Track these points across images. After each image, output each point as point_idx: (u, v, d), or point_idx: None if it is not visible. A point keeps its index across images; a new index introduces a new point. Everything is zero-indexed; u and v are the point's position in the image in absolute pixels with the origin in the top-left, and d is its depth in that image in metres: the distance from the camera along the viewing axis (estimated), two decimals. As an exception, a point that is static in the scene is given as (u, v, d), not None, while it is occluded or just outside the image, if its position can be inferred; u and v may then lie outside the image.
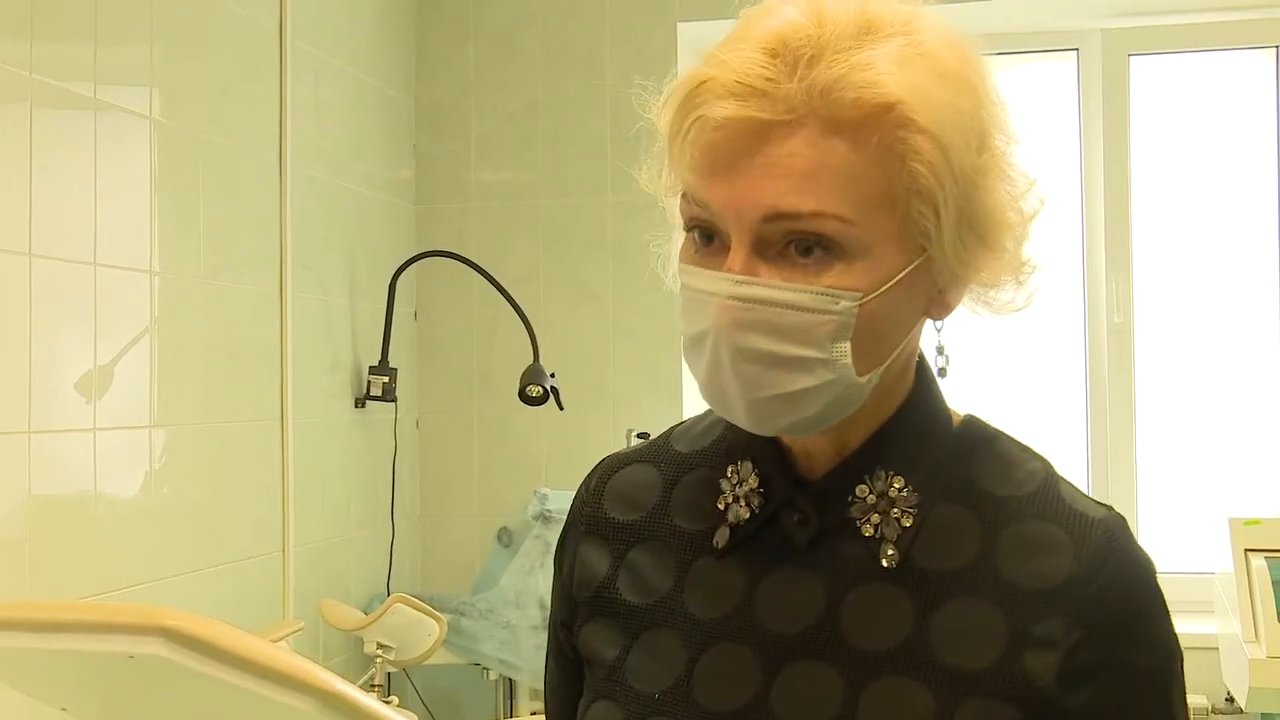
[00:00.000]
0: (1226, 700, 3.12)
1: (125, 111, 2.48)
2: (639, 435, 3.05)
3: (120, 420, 2.45)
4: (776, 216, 0.96)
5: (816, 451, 1.07)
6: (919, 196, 0.97)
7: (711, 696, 1.05)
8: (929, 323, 1.11)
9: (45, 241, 2.25)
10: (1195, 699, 3.23)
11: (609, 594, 1.13)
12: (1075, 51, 3.65)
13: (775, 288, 0.97)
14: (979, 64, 1.04)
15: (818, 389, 0.99)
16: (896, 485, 1.05)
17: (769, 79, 0.95)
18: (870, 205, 0.96)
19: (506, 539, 3.46)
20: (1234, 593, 2.94)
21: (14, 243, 2.18)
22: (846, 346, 0.98)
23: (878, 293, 0.98)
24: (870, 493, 1.05)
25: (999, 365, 3.67)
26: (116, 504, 2.44)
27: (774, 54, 0.96)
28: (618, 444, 3.15)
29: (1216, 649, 3.15)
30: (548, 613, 1.24)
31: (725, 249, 0.99)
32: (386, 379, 3.39)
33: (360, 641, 3.06)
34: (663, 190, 1.07)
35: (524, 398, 3.21)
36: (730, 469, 1.11)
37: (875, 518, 1.05)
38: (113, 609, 1.16)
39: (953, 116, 0.98)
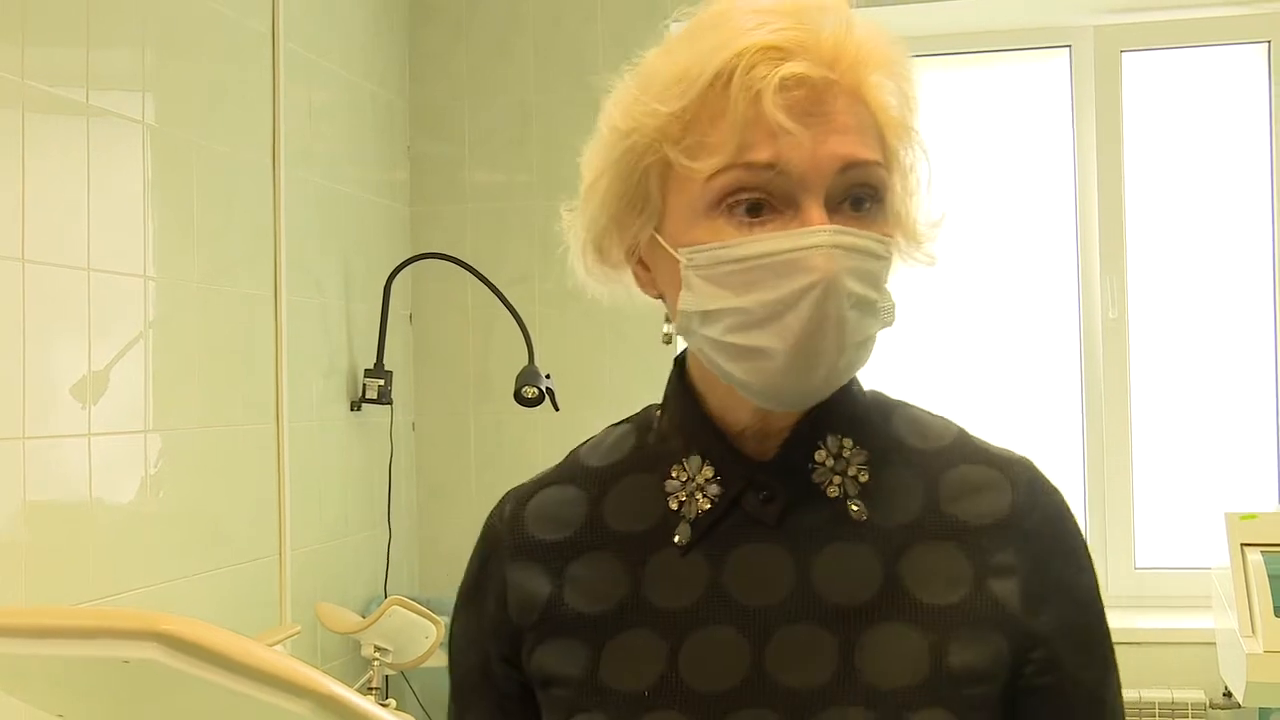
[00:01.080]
0: (1224, 695, 3.12)
1: (118, 117, 2.48)
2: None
3: (116, 425, 2.45)
4: (850, 165, 1.03)
5: (774, 431, 1.11)
6: (892, 157, 1.08)
7: (704, 680, 1.06)
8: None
9: (39, 247, 2.25)
10: (1193, 694, 3.24)
11: (558, 611, 1.13)
12: (1068, 48, 3.65)
13: (864, 236, 1.03)
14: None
15: (874, 337, 1.08)
16: (848, 445, 1.11)
17: (810, 42, 1.02)
18: (886, 156, 1.07)
19: (504, 540, 3.45)
20: (1231, 588, 2.94)
21: (8, 248, 2.18)
22: (889, 291, 1.08)
23: (895, 239, 1.09)
24: (828, 456, 1.11)
25: (994, 361, 3.67)
26: (113, 509, 2.44)
27: (799, 21, 1.03)
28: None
29: (1214, 644, 3.15)
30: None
31: (777, 215, 1.02)
32: (382, 382, 3.39)
33: (358, 644, 3.05)
34: (685, 166, 1.05)
35: (519, 399, 3.21)
36: (674, 469, 1.13)
37: (837, 478, 1.10)
38: (107, 614, 1.16)
39: (909, 78, 1.09)
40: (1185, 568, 3.51)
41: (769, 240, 1.01)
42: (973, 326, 3.68)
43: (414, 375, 3.71)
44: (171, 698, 1.14)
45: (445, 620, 3.05)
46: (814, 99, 1.01)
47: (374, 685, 3.00)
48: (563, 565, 1.14)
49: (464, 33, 3.72)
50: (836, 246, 1.00)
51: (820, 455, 1.11)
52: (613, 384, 3.56)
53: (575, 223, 1.15)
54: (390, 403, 3.43)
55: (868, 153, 1.04)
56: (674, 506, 1.12)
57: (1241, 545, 2.96)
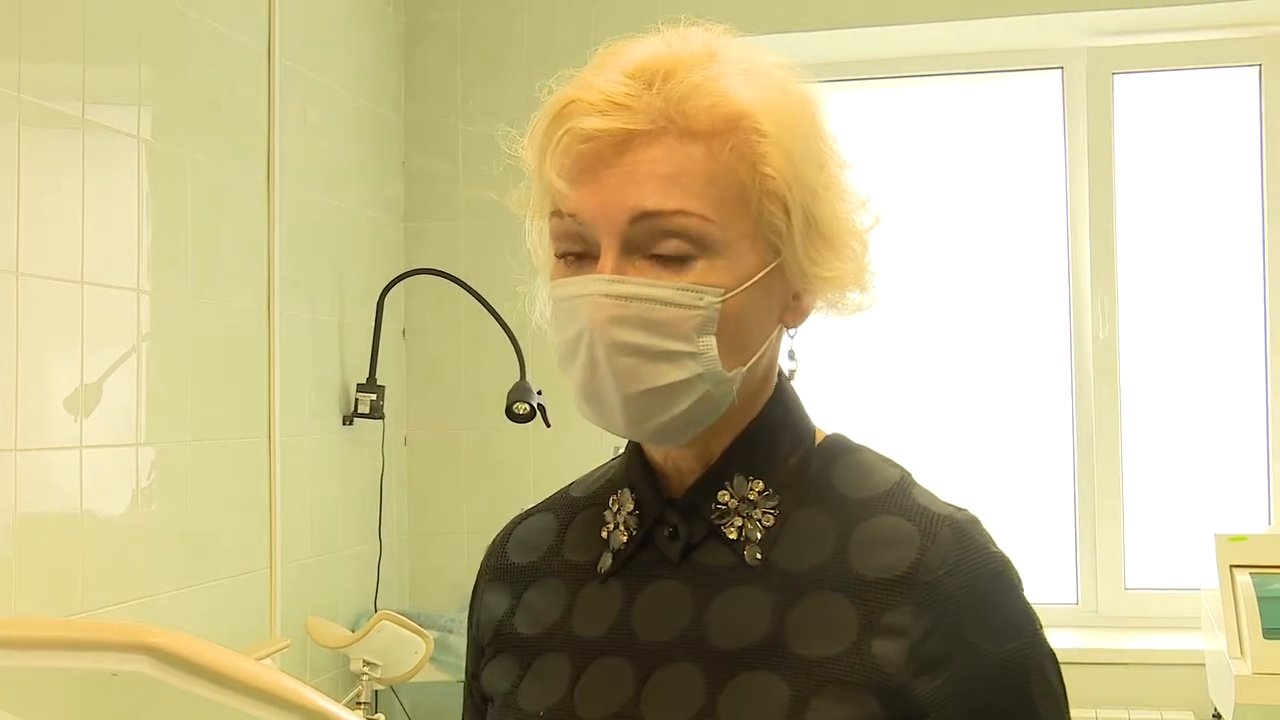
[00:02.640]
0: (1213, 717, 3.13)
1: (114, 131, 2.49)
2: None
3: (108, 438, 2.45)
4: (643, 216, 1.04)
5: (686, 469, 1.13)
6: (770, 198, 1.06)
7: (589, 707, 1.10)
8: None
9: (33, 260, 2.25)
10: (1182, 715, 3.24)
11: (506, 630, 1.19)
12: (1060, 70, 3.67)
13: (645, 284, 1.04)
14: (815, 96, 1.12)
15: (688, 383, 1.05)
16: (757, 488, 1.11)
17: (629, 94, 1.04)
18: (727, 206, 1.05)
19: (495, 556, 3.46)
20: (1220, 609, 2.95)
21: (2, 261, 2.19)
22: (712, 340, 1.05)
23: (739, 289, 1.06)
24: (731, 497, 1.11)
25: (985, 380, 3.68)
26: (104, 522, 2.44)
27: (633, 75, 1.05)
28: (604, 461, 3.16)
29: (1203, 665, 3.16)
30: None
31: (593, 261, 1.06)
32: (374, 396, 3.39)
33: (347, 659, 3.06)
34: (532, 215, 1.13)
35: (511, 415, 3.21)
36: (612, 499, 1.18)
37: (738, 520, 1.10)
38: (95, 626, 1.16)
39: (796, 129, 1.08)
40: (1175, 589, 3.51)
41: (562, 286, 1.07)
42: (963, 345, 3.69)
43: (406, 390, 3.71)
44: (159, 711, 1.15)
45: (435, 635, 3.06)
46: (612, 151, 1.04)
47: (363, 700, 3.00)
48: (523, 589, 1.21)
49: (459, 50, 3.73)
50: (607, 295, 1.03)
51: (724, 496, 1.11)
52: (605, 401, 3.56)
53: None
54: (382, 417, 3.43)
55: (668, 202, 1.03)
56: (604, 536, 1.17)
57: (1231, 567, 2.97)
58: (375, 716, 3.00)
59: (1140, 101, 3.64)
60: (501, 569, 1.24)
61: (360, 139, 3.52)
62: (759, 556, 1.09)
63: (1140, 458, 3.61)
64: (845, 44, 3.62)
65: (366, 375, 3.41)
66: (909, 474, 1.14)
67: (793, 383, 1.17)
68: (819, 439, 1.16)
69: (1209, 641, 3.10)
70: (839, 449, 1.16)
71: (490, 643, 1.20)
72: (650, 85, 1.04)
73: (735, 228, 1.05)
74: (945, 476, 1.18)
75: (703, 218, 1.04)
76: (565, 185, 1.05)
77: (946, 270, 3.69)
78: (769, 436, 1.13)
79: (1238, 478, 3.57)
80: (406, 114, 3.75)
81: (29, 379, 2.24)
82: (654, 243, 1.04)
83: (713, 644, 1.07)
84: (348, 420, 3.37)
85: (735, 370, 1.07)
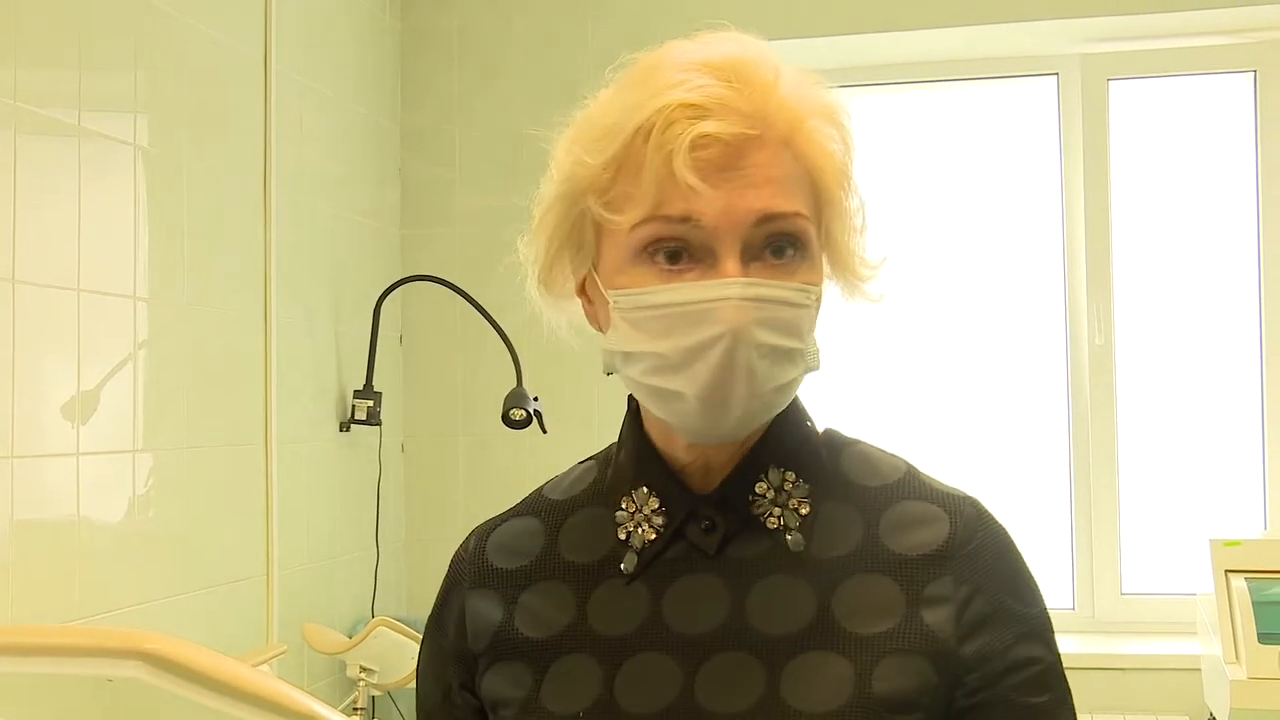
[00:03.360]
0: (1209, 721, 3.13)
1: (110, 139, 2.49)
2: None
3: (105, 445, 2.46)
4: (767, 218, 1.06)
5: (716, 464, 1.15)
6: (828, 203, 1.12)
7: (636, 703, 1.09)
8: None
9: (30, 268, 2.26)
10: (1177, 720, 3.24)
11: (508, 636, 1.17)
12: (1055, 76, 3.67)
13: (776, 286, 1.07)
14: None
15: (796, 380, 1.11)
16: (790, 478, 1.15)
17: (732, 99, 1.06)
18: (812, 206, 1.10)
19: (491, 562, 3.46)
20: (1215, 614, 2.95)
21: (-2, 269, 2.19)
22: (814, 337, 1.12)
23: (822, 286, 1.12)
24: (769, 488, 1.14)
25: (981, 387, 3.68)
26: (101, 528, 2.45)
27: (726, 79, 1.07)
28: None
29: (1199, 670, 3.16)
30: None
31: (696, 264, 1.07)
32: (371, 403, 3.39)
33: (344, 664, 3.06)
34: (607, 219, 1.11)
35: (507, 421, 3.22)
36: (625, 501, 1.17)
37: (776, 510, 1.14)
38: (92, 633, 1.17)
39: (841, 136, 1.13)
40: (1171, 593, 3.52)
41: (684, 289, 1.06)
42: (959, 351, 3.70)
43: (403, 397, 3.71)
44: (155, 716, 1.15)
45: (432, 642, 3.05)
46: (731, 154, 1.05)
47: (359, 705, 3.00)
48: (516, 593, 1.19)
49: (455, 57, 3.74)
50: (746, 299, 1.05)
51: (761, 487, 1.14)
52: (600, 407, 3.57)
53: (528, 253, 1.22)
54: (379, 424, 3.44)
55: (786, 205, 1.07)
56: (622, 536, 1.16)
57: (1226, 572, 2.97)
58: (372, 723, 3.00)
59: (1135, 107, 3.65)
60: (484, 574, 1.21)
61: (357, 145, 3.53)
62: (802, 541, 1.12)
63: (1136, 463, 3.61)
64: (841, 50, 3.63)
65: (363, 382, 3.41)
66: (911, 463, 1.21)
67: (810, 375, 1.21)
68: (819, 431, 1.21)
69: (1204, 646, 3.10)
70: (840, 442, 1.21)
71: (487, 650, 1.18)
72: (742, 87, 1.06)
73: (815, 228, 1.11)
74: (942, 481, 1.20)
75: (809, 219, 1.09)
76: (680, 191, 1.05)
77: (943, 276, 3.70)
78: (793, 430, 1.16)
79: (1233, 483, 3.58)
80: (403, 120, 3.75)
81: (26, 386, 2.25)
82: (768, 245, 1.07)
83: (760, 631, 1.09)
84: (345, 427, 3.38)
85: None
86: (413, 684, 3.06)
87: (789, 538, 1.12)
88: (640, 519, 1.16)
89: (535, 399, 3.24)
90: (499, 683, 1.16)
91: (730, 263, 1.05)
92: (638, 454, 1.17)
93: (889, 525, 1.13)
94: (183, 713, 1.09)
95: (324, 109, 3.33)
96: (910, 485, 1.17)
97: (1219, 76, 3.62)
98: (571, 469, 1.27)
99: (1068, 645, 3.42)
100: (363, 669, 2.97)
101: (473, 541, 1.26)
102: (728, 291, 1.04)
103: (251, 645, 2.86)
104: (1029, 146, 3.70)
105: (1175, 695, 3.26)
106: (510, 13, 3.70)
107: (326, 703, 1.09)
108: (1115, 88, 3.64)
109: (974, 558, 1.12)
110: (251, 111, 3.00)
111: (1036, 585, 1.16)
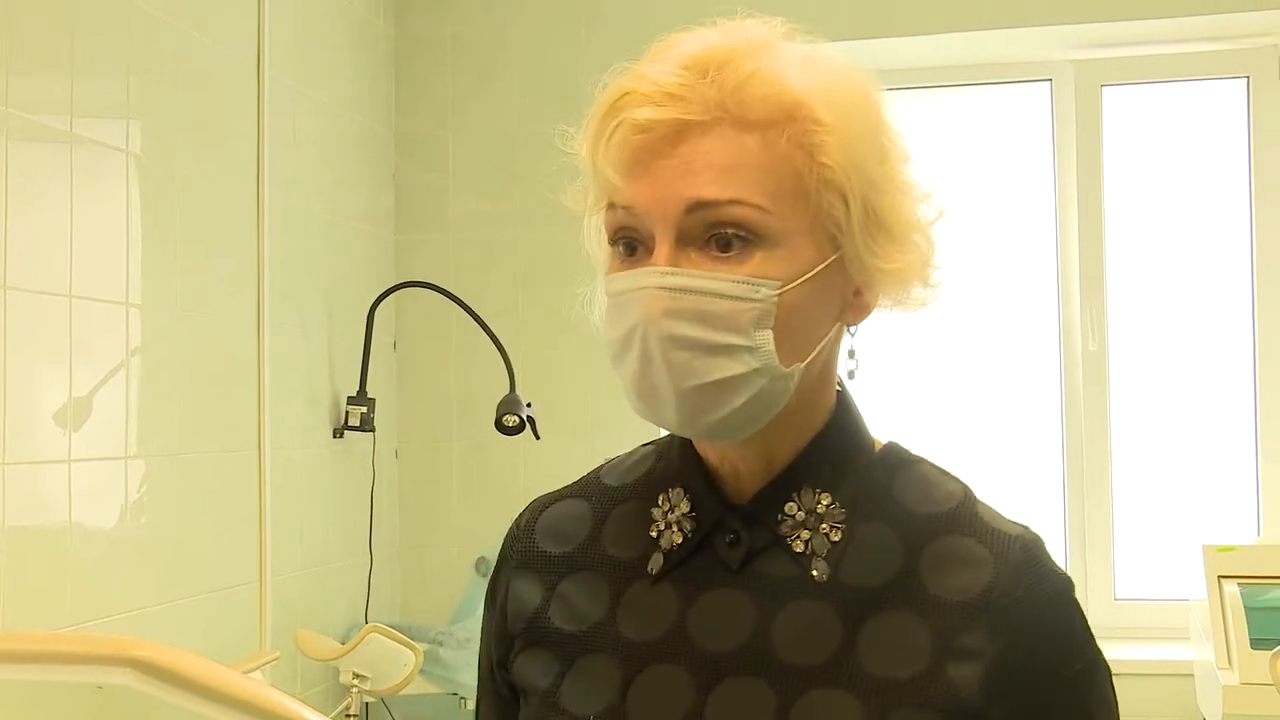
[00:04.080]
0: (1202, 727, 3.13)
1: (102, 145, 2.49)
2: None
3: (97, 451, 2.45)
4: (697, 206, 1.02)
5: (746, 472, 1.10)
6: (829, 189, 1.04)
7: (646, 715, 1.07)
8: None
9: (21, 274, 2.25)
10: (1171, 726, 3.24)
11: (542, 623, 1.15)
12: (1049, 82, 3.68)
13: (701, 276, 1.02)
14: (876, 89, 1.11)
15: (744, 377, 1.03)
16: (824, 502, 1.09)
17: (684, 85, 1.03)
18: (784, 197, 1.03)
19: (485, 568, 3.46)
20: (1208, 619, 2.95)
21: (-10, 275, 2.19)
22: (769, 334, 1.03)
23: (796, 282, 1.04)
24: (799, 509, 1.09)
25: (974, 392, 3.69)
26: (93, 535, 2.44)
27: (688, 66, 1.04)
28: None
29: (1192, 675, 3.16)
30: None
31: (648, 253, 1.04)
32: (365, 409, 3.39)
33: (337, 671, 3.05)
34: (588, 209, 1.11)
35: (500, 427, 3.22)
36: (661, 497, 1.14)
37: (805, 534, 1.08)
38: (82, 639, 1.16)
39: (855, 119, 1.06)
40: (1164, 599, 3.52)
41: (617, 279, 1.06)
42: (952, 358, 3.70)
43: (397, 403, 3.71)
44: (145, 724, 1.15)
45: (424, 648, 3.06)
46: (668, 142, 1.02)
47: (352, 712, 3.00)
48: (556, 580, 1.17)
49: (448, 62, 3.74)
50: (662, 288, 1.02)
51: (791, 507, 1.09)
52: (594, 412, 3.57)
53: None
54: (373, 430, 3.43)
55: (720, 192, 1.02)
56: (653, 534, 1.13)
57: (1219, 577, 2.98)
58: (365, 729, 2.99)
59: (1129, 113, 3.65)
60: (530, 556, 1.20)
61: (350, 151, 3.53)
62: (826, 571, 1.07)
63: (1129, 469, 3.61)
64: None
65: (357, 388, 3.41)
66: (970, 489, 1.13)
67: (851, 383, 1.16)
68: (877, 447, 1.15)
69: (1197, 652, 3.10)
70: (898, 460, 1.14)
71: (522, 633, 1.17)
72: (705, 75, 1.02)
73: (793, 219, 1.03)
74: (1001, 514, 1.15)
75: (759, 208, 1.02)
76: (619, 177, 1.03)
77: (936, 281, 3.69)
78: (839, 448, 1.11)
79: (1226, 489, 3.58)
80: (396, 126, 3.75)
81: (18, 393, 2.25)
82: (709, 234, 1.02)
83: (779, 659, 1.05)
84: (338, 433, 3.37)
85: (793, 366, 1.05)
86: (404, 692, 3.07)
87: (814, 567, 1.07)
88: (672, 520, 1.13)
89: (528, 405, 3.24)
90: (529, 669, 1.15)
91: (661, 250, 1.03)
92: (682, 452, 1.14)
93: (931, 560, 1.06)
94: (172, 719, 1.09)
95: (317, 115, 3.33)
96: (962, 517, 1.09)
97: (1212, 82, 3.63)
98: (633, 451, 1.22)
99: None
100: (355, 675, 2.96)
101: (525, 518, 1.24)
102: (644, 281, 1.02)
103: (244, 652, 2.85)
104: (1023, 152, 3.70)
105: (1168, 701, 3.26)
106: (504, 19, 3.70)
107: (318, 710, 1.09)
108: (1109, 93, 3.64)
109: (1013, 609, 1.04)
110: (244, 117, 3.00)
111: (1084, 636, 1.07)
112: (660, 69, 1.04)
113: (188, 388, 2.73)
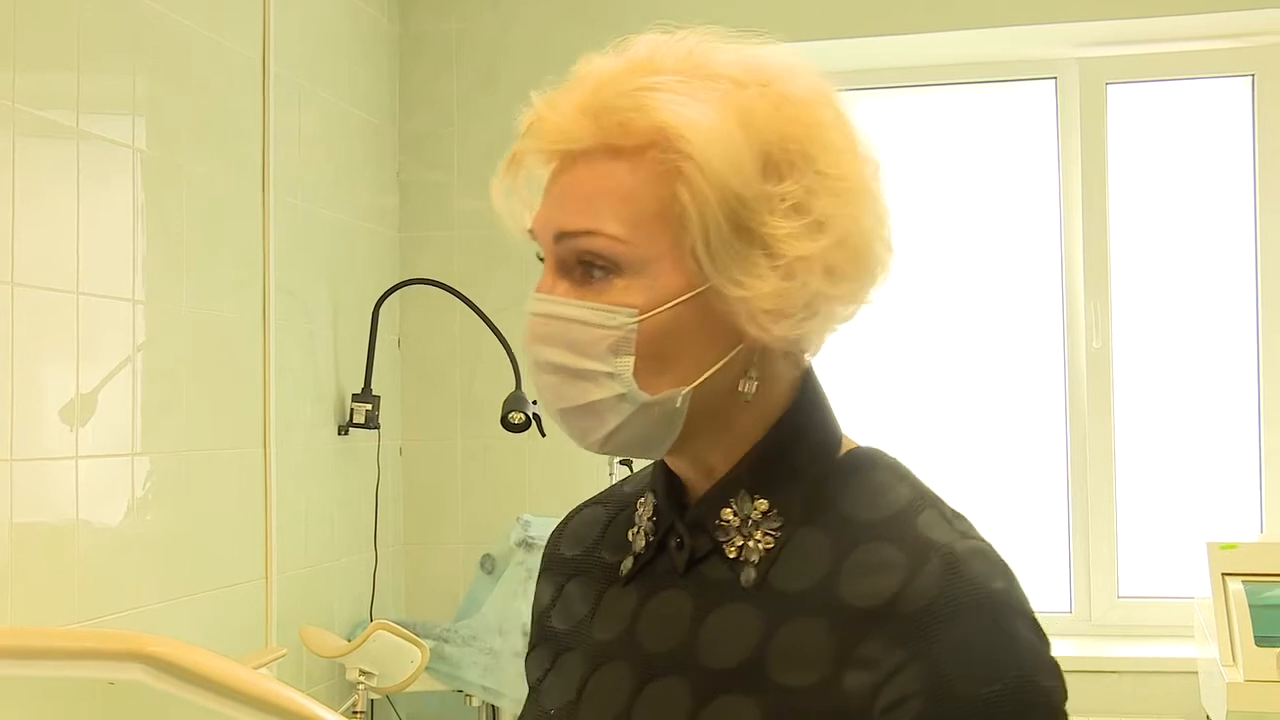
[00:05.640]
0: (1206, 724, 3.14)
1: (108, 141, 2.49)
2: (621, 462, 3.06)
3: (103, 448, 2.46)
4: (561, 236, 1.05)
5: (695, 479, 1.11)
6: (688, 218, 1.02)
7: (591, 712, 1.10)
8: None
9: (28, 270, 2.26)
10: (1175, 723, 3.25)
11: (546, 621, 1.21)
12: (1054, 80, 3.68)
13: (562, 303, 1.05)
14: (776, 101, 1.05)
15: (608, 403, 1.04)
16: (760, 508, 1.08)
17: (571, 116, 1.05)
18: (646, 225, 1.03)
19: (490, 566, 3.46)
20: (1212, 617, 2.95)
21: (-3, 272, 2.19)
22: (629, 361, 1.03)
23: (656, 311, 1.03)
24: (735, 515, 1.08)
25: (978, 390, 3.69)
26: (99, 532, 2.45)
27: (579, 93, 1.06)
28: (600, 472, 3.16)
29: (1196, 673, 3.17)
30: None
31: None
32: (370, 406, 3.39)
33: (343, 669, 3.06)
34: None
35: (506, 425, 3.22)
36: (639, 502, 1.17)
37: (739, 539, 1.08)
38: (93, 635, 1.17)
39: (724, 144, 1.01)
40: (1168, 597, 3.52)
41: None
42: (957, 355, 3.70)
43: (401, 400, 3.71)
44: (156, 719, 1.15)
45: (430, 645, 3.06)
46: (560, 170, 1.06)
47: (359, 709, 3.00)
48: (565, 581, 1.22)
49: (453, 60, 3.74)
50: (535, 314, 1.06)
51: (726, 513, 1.08)
52: (599, 410, 3.57)
53: None
54: (378, 427, 3.44)
55: (576, 223, 1.04)
56: (629, 539, 1.16)
57: (1223, 575, 2.98)
58: (370, 726, 3.00)
59: (1133, 111, 3.65)
60: (552, 559, 1.25)
61: (355, 149, 3.53)
62: (753, 579, 1.06)
63: (1133, 466, 3.61)
64: (839, 54, 3.63)
65: (362, 385, 3.41)
66: (925, 497, 1.07)
67: (818, 385, 1.13)
68: (845, 451, 1.12)
69: (1201, 649, 3.11)
70: (859, 465, 1.10)
71: (535, 632, 1.22)
72: (589, 103, 1.04)
73: (654, 247, 1.02)
74: (938, 486, 1.14)
75: (613, 238, 1.02)
76: (521, 205, 1.09)
77: (941, 280, 3.70)
78: (781, 452, 1.09)
79: (1230, 486, 3.58)
80: (401, 124, 3.75)
81: (24, 389, 2.25)
82: (579, 261, 1.05)
83: (701, 661, 1.05)
84: (343, 430, 3.38)
85: (668, 392, 1.04)
86: (412, 688, 3.07)
87: (742, 573, 1.06)
88: (641, 525, 1.15)
89: (534, 402, 3.24)
90: (532, 665, 1.21)
91: (544, 278, 1.07)
92: (660, 460, 1.16)
93: (852, 566, 1.02)
94: (184, 715, 1.09)
95: (323, 112, 3.34)
96: (896, 524, 1.04)
97: (1217, 80, 3.63)
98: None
99: (1065, 649, 3.45)
100: (362, 672, 2.97)
101: (562, 522, 1.28)
102: (528, 306, 1.07)
103: (249, 648, 2.86)
104: (1027, 150, 3.70)
105: (1172, 699, 3.27)
106: (508, 17, 3.70)
107: (326, 706, 1.09)
108: (1113, 91, 3.64)
109: (915, 619, 0.97)
110: (250, 115, 3.00)
111: (1007, 658, 0.97)
112: (555, 98, 1.07)
113: (193, 384, 2.74)
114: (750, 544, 1.07)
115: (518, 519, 3.38)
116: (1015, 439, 3.67)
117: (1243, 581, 2.94)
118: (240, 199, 2.95)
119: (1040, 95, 3.70)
